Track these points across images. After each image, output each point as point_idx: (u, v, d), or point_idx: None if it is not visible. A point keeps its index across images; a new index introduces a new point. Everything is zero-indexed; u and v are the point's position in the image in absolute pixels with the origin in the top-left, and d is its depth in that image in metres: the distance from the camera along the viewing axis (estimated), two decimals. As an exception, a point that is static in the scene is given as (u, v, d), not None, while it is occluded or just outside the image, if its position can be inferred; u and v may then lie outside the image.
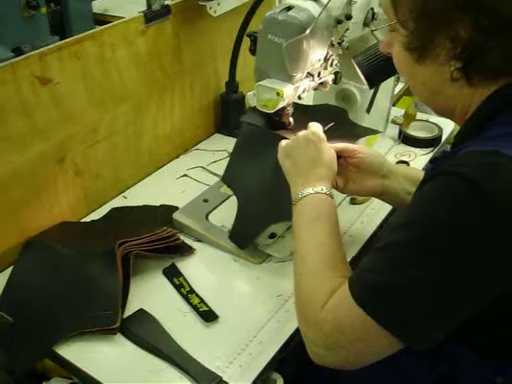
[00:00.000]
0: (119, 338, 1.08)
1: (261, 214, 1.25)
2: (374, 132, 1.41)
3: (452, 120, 0.97)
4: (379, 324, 0.80)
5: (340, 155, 1.18)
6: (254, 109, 1.26)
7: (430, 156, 1.63)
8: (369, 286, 0.83)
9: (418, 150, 1.66)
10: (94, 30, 1.33)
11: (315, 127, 1.15)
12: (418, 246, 0.79)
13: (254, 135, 1.29)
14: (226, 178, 1.34)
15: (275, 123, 1.24)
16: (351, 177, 1.21)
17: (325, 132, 1.16)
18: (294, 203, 1.06)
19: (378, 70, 1.27)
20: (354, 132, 1.35)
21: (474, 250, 0.76)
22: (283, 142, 1.15)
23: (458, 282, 0.78)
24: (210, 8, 1.53)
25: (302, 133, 1.13)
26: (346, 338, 0.84)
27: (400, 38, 0.89)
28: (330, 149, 1.13)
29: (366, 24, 1.35)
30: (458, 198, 0.77)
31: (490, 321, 0.85)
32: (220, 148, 1.68)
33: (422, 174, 1.24)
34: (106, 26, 1.35)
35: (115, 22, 1.37)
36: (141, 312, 1.13)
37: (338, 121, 1.34)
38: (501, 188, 0.75)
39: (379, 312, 0.81)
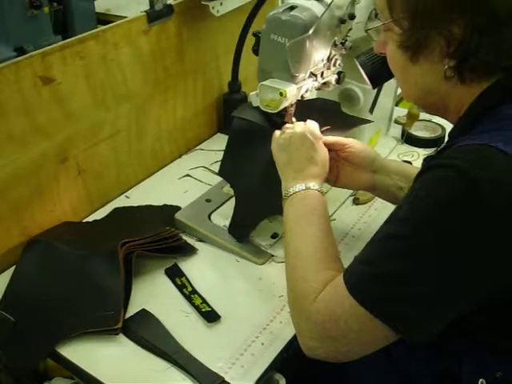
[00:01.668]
0: (121, 338, 1.08)
1: (257, 206, 1.25)
2: (366, 122, 1.40)
3: (446, 119, 0.97)
4: (372, 314, 0.81)
5: (331, 148, 1.19)
6: (245, 104, 1.28)
7: (433, 156, 1.62)
8: (362, 276, 0.83)
9: (421, 150, 1.65)
10: (96, 30, 1.32)
11: (312, 125, 1.16)
12: (409, 237, 0.80)
13: (247, 129, 1.29)
14: (222, 172, 1.34)
15: (278, 123, 1.24)
16: (342, 170, 1.22)
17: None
18: (285, 198, 1.07)
19: (381, 70, 1.26)
20: (347, 122, 1.35)
21: (464, 241, 0.77)
22: (277, 134, 1.16)
23: (450, 274, 0.78)
24: (213, 8, 1.53)
25: (298, 129, 1.14)
26: (338, 329, 0.84)
27: (394, 36, 0.89)
28: (325, 149, 1.14)
29: (369, 24, 1.35)
30: (447, 189, 0.77)
31: (491, 315, 0.85)
32: (222, 148, 1.66)
33: (415, 170, 1.26)
34: (108, 25, 1.34)
35: (118, 22, 1.37)
36: (143, 312, 1.12)
37: (331, 113, 1.35)
38: (489, 179, 0.75)
39: (372, 302, 0.81)
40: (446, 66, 0.86)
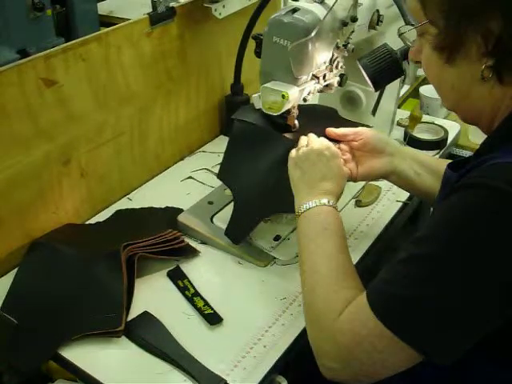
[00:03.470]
0: (123, 340, 1.08)
1: (255, 207, 1.25)
2: (366, 126, 1.40)
3: (479, 128, 0.94)
4: (398, 337, 0.79)
5: (343, 140, 1.20)
6: (246, 106, 1.30)
7: (435, 158, 1.62)
8: (389, 299, 0.81)
9: (423, 152, 1.65)
10: (99, 32, 1.32)
11: (329, 142, 1.16)
12: (442, 260, 0.77)
13: (248, 131, 1.29)
14: (222, 175, 1.34)
15: (280, 126, 1.24)
16: (359, 161, 1.22)
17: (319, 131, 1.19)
18: (298, 214, 1.06)
19: (384, 72, 1.27)
20: (347, 127, 1.35)
21: (503, 264, 0.75)
22: (293, 152, 1.15)
23: (482, 297, 0.76)
24: (215, 10, 1.53)
25: (316, 146, 1.13)
26: (363, 351, 0.82)
27: (429, 38, 0.87)
28: (342, 166, 1.13)
29: (371, 26, 1.35)
30: (487, 211, 0.75)
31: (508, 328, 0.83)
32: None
33: (428, 158, 1.27)
34: (111, 27, 1.35)
35: (120, 24, 1.37)
36: (145, 314, 1.12)
37: (332, 118, 1.35)
38: None
39: (399, 325, 0.79)
40: (484, 66, 0.83)
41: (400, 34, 1.02)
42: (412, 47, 0.98)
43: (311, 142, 1.15)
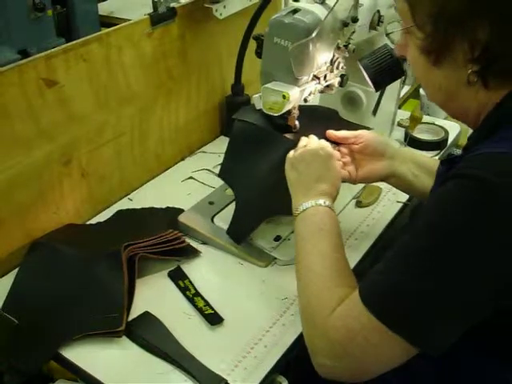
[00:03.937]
0: (124, 340, 1.08)
1: (257, 208, 1.25)
2: (366, 128, 1.40)
3: (466, 124, 0.96)
4: (392, 330, 0.79)
5: (344, 143, 1.21)
6: (247, 106, 1.31)
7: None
8: (382, 293, 0.81)
9: (424, 153, 1.65)
10: (100, 33, 1.32)
11: (326, 143, 1.16)
12: (434, 251, 0.78)
13: (249, 131, 1.29)
14: (223, 174, 1.34)
15: (281, 126, 1.24)
16: (359, 164, 1.22)
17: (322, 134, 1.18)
18: (295, 215, 1.06)
19: (384, 72, 1.27)
20: (348, 129, 1.35)
21: (491, 253, 0.76)
22: (291, 153, 1.15)
23: (476, 287, 0.77)
24: (216, 11, 1.53)
25: (312, 146, 1.13)
26: (355, 346, 0.82)
27: (416, 41, 0.88)
28: (337, 167, 1.13)
29: (372, 27, 1.36)
30: (473, 200, 0.76)
31: (501, 320, 0.84)
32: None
33: (426, 159, 1.28)
34: (112, 28, 1.35)
35: (121, 25, 1.37)
36: (146, 315, 1.12)
37: (332, 120, 1.35)
38: None
39: (392, 318, 0.80)
40: (470, 71, 0.84)
41: (387, 34, 1.03)
42: (397, 43, 0.99)
43: (308, 142, 1.15)
